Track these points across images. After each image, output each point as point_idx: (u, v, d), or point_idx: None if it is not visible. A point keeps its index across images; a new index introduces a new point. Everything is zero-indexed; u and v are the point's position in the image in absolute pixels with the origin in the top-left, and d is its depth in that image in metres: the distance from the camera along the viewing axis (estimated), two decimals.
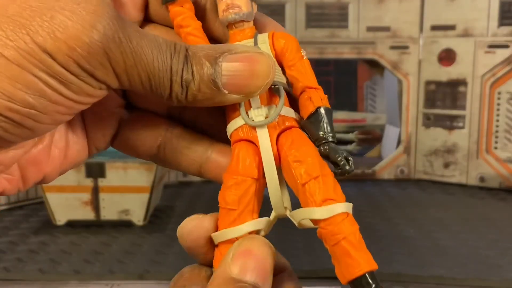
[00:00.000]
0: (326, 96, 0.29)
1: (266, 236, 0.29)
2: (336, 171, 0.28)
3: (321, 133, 0.28)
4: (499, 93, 2.60)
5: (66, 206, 2.02)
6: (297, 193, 0.28)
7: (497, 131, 2.62)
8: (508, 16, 2.56)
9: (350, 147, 3.25)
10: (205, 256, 0.28)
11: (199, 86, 0.26)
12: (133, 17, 0.29)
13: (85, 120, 0.30)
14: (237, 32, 0.29)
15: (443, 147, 2.76)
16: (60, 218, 2.03)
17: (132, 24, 0.25)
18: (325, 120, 0.28)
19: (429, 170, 2.80)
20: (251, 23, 0.29)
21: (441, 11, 2.68)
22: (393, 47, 2.76)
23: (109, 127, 0.31)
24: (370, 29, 2.76)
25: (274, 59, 0.28)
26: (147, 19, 0.31)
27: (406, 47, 2.76)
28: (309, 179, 0.27)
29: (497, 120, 2.62)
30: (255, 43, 0.29)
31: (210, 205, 2.28)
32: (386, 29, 2.75)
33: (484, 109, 2.63)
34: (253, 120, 0.28)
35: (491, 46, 2.59)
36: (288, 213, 0.29)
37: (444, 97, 2.74)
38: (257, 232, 0.28)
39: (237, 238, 0.27)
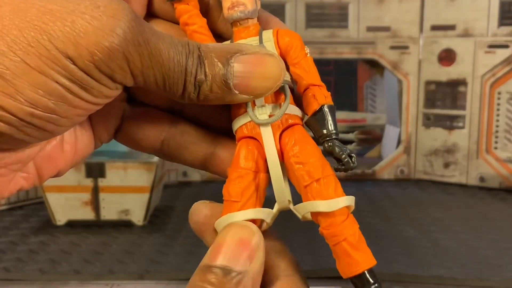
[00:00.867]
0: (330, 93, 0.29)
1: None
2: (339, 167, 0.29)
3: (325, 130, 0.29)
4: (499, 93, 2.60)
5: (66, 206, 2.02)
6: (299, 192, 0.29)
7: (497, 131, 2.62)
8: (508, 16, 2.56)
9: (350, 147, 3.25)
10: (213, 239, 0.29)
11: (211, 87, 0.26)
12: (137, 12, 0.29)
13: (90, 115, 0.31)
14: (241, 29, 0.29)
15: (443, 147, 2.76)
16: (60, 218, 2.03)
17: (148, 25, 0.25)
18: (329, 117, 0.29)
19: (429, 170, 2.80)
20: (255, 20, 0.30)
21: (441, 11, 2.68)
22: (393, 47, 2.76)
23: (113, 120, 0.31)
24: (370, 29, 2.76)
25: (282, 60, 0.28)
26: (150, 14, 0.31)
27: (406, 47, 2.76)
28: (311, 182, 0.28)
29: (497, 120, 2.62)
30: (260, 40, 0.29)
31: None
32: (386, 29, 2.75)
33: (484, 109, 2.63)
34: (258, 118, 0.29)
35: (491, 46, 2.59)
36: (291, 206, 0.29)
37: (444, 97, 2.74)
38: (261, 222, 0.29)
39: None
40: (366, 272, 0.29)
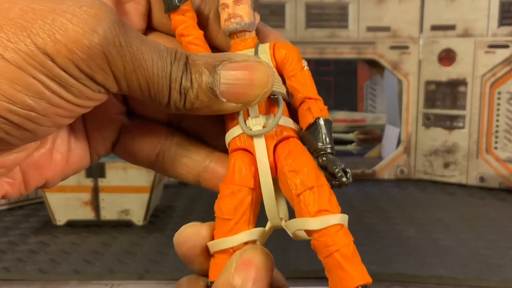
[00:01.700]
0: (326, 107, 0.29)
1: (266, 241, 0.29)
2: (333, 183, 0.28)
3: (320, 144, 0.28)
4: (499, 93, 2.60)
5: (66, 206, 2.02)
6: (292, 203, 0.27)
7: (497, 131, 2.62)
8: (508, 16, 2.56)
9: (350, 147, 3.25)
10: (201, 266, 0.28)
11: (197, 94, 0.25)
12: (137, 25, 0.29)
13: (86, 125, 0.30)
14: (238, 41, 0.29)
15: (443, 147, 2.76)
16: (60, 218, 2.03)
17: (133, 29, 0.25)
18: (324, 131, 0.28)
19: (429, 170, 2.80)
20: (253, 33, 0.29)
21: (441, 11, 2.68)
22: (393, 47, 2.76)
23: (110, 133, 0.31)
24: (370, 29, 2.76)
25: (274, 69, 0.28)
26: (150, 28, 0.30)
27: (406, 47, 2.76)
28: (304, 190, 0.27)
29: (497, 120, 2.62)
30: (256, 52, 0.29)
31: (210, 206, 2.26)
32: (386, 29, 2.75)
33: (484, 109, 2.63)
34: (251, 129, 0.28)
35: (491, 46, 2.59)
36: (283, 223, 0.28)
37: (444, 97, 2.74)
38: (253, 242, 0.28)
39: (232, 249, 0.27)
40: None
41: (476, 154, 2.67)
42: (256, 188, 0.28)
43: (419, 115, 2.81)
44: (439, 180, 2.76)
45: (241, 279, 0.26)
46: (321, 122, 0.28)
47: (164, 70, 0.25)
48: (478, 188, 2.64)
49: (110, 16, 0.24)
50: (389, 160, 2.86)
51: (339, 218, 0.27)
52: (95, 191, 2.01)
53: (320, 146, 0.28)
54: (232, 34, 0.29)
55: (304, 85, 0.29)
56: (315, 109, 0.28)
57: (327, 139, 0.28)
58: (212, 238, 0.28)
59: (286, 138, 0.28)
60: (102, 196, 2.01)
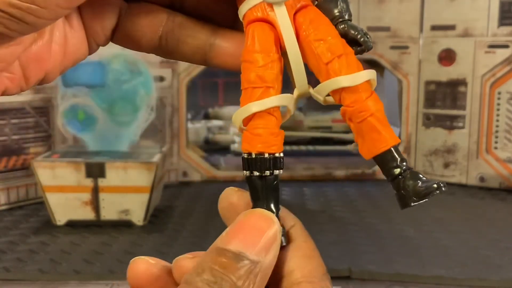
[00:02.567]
0: None
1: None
2: (357, 48, 0.28)
3: (337, 11, 0.28)
4: (499, 93, 2.60)
5: (66, 206, 2.02)
6: (318, 73, 0.27)
7: (497, 131, 2.62)
8: (508, 16, 2.56)
9: (350, 147, 3.24)
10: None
11: None
12: None
13: (82, 13, 0.30)
14: None
15: (443, 147, 2.76)
16: (60, 218, 2.03)
17: None
18: None
19: (429, 170, 2.80)
20: None
21: (441, 11, 2.68)
22: (393, 47, 2.76)
23: (108, 20, 0.30)
24: (370, 29, 2.76)
25: None
26: None
27: (406, 47, 2.76)
28: (333, 58, 0.27)
29: (497, 120, 2.61)
30: None
31: (210, 205, 2.27)
32: (386, 29, 2.75)
33: (484, 109, 2.63)
34: None
35: (491, 46, 2.59)
36: (311, 90, 0.28)
37: (444, 97, 2.74)
38: (281, 112, 0.28)
39: (267, 111, 0.27)
40: (393, 149, 0.27)
41: (476, 154, 2.67)
42: (281, 56, 0.28)
43: (419, 115, 2.81)
44: (439, 180, 2.75)
45: (224, 237, 0.25)
46: None
47: None
48: (478, 188, 2.64)
49: None
50: None
51: (369, 73, 0.27)
52: (95, 191, 2.01)
53: (338, 14, 0.28)
54: None
55: None
56: None
57: (345, 5, 0.28)
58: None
59: (304, 6, 0.28)
60: (102, 196, 2.01)
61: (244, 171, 0.28)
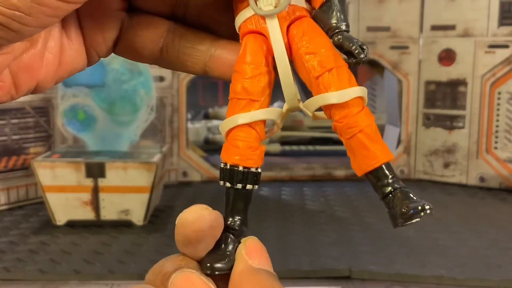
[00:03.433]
0: None
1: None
2: (350, 61, 0.27)
3: (334, 22, 0.27)
4: (499, 93, 2.60)
5: (66, 206, 2.02)
6: (310, 86, 0.27)
7: (497, 131, 2.62)
8: (508, 16, 2.56)
9: None
10: (196, 251, 0.28)
11: None
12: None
13: (83, 24, 0.30)
14: None
15: (443, 147, 2.76)
16: (60, 218, 2.03)
17: None
18: (338, 8, 0.27)
19: (429, 170, 2.80)
20: None
21: (441, 11, 2.68)
22: (393, 47, 2.76)
23: (110, 31, 0.30)
24: (370, 29, 2.76)
25: None
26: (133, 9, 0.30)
27: (406, 47, 2.76)
28: (323, 72, 0.26)
29: (497, 120, 2.61)
30: None
31: (210, 205, 2.26)
32: (386, 29, 2.75)
33: (484, 109, 2.63)
34: (262, 10, 0.27)
35: (491, 46, 2.59)
36: (301, 105, 0.28)
37: (444, 97, 2.74)
38: (269, 126, 0.28)
39: (249, 125, 0.27)
40: (384, 166, 0.27)
41: (476, 154, 2.67)
42: (270, 70, 0.27)
43: (419, 115, 2.81)
44: (439, 180, 2.76)
45: (257, 261, 0.27)
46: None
47: None
48: (478, 188, 2.64)
49: None
50: None
51: (358, 90, 0.26)
52: (95, 191, 2.01)
53: (334, 24, 0.27)
54: None
55: None
56: None
57: (342, 16, 0.27)
58: (219, 223, 0.28)
59: (299, 18, 0.27)
60: (102, 196, 2.01)
61: (219, 180, 0.28)
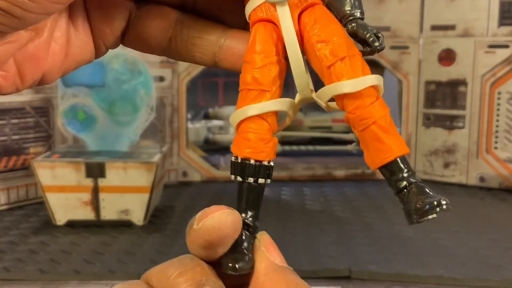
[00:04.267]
0: None
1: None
2: (364, 50, 0.26)
3: (348, 8, 0.26)
4: (499, 93, 2.60)
5: (66, 206, 2.02)
6: (322, 76, 0.26)
7: (497, 131, 2.62)
8: (508, 16, 2.56)
9: (350, 147, 3.25)
10: (215, 253, 0.28)
11: None
12: None
13: (90, 15, 0.29)
14: None
15: (443, 147, 2.76)
16: (60, 218, 2.03)
17: None
18: None
19: (429, 170, 2.80)
20: None
21: (441, 11, 2.68)
22: (393, 47, 2.76)
23: (118, 22, 0.30)
24: None
25: None
26: None
27: (406, 47, 2.76)
28: (335, 61, 0.25)
29: (497, 120, 2.61)
30: None
31: (210, 205, 2.26)
32: (386, 29, 2.75)
33: (484, 109, 2.63)
34: None
35: (491, 46, 2.59)
36: (314, 95, 0.27)
37: (444, 97, 2.73)
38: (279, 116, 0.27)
39: (260, 116, 0.26)
40: (399, 160, 0.25)
41: (476, 154, 2.67)
42: (281, 59, 0.27)
43: (419, 115, 2.81)
44: (439, 180, 2.76)
45: (278, 258, 0.27)
46: None
47: None
48: (478, 188, 2.64)
49: None
50: None
51: (374, 79, 0.25)
52: (95, 191, 2.01)
53: (348, 11, 0.26)
54: None
55: None
56: None
57: (356, 2, 0.26)
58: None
59: (311, 5, 0.27)
60: (102, 196, 2.01)
61: (230, 174, 0.28)
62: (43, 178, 2.00)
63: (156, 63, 2.50)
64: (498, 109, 2.61)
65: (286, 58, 0.27)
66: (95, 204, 2.03)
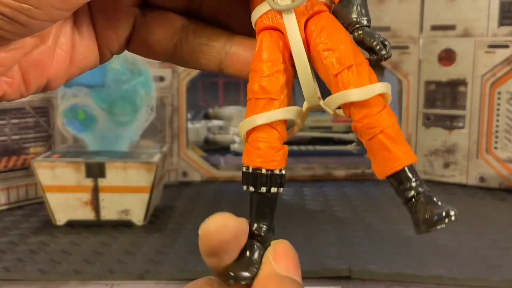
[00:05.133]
0: None
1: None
2: (371, 58, 0.26)
3: (354, 16, 0.26)
4: (499, 93, 2.60)
5: (66, 206, 2.02)
6: (329, 85, 0.26)
7: (497, 131, 2.62)
8: (508, 16, 2.56)
9: (350, 147, 3.25)
10: (221, 261, 0.27)
11: None
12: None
13: (95, 21, 0.29)
14: None
15: (443, 147, 2.76)
16: (60, 218, 2.03)
17: None
18: (359, 2, 0.26)
19: (429, 170, 2.80)
20: None
21: (441, 11, 2.68)
22: (393, 47, 2.75)
23: (123, 28, 0.30)
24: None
25: None
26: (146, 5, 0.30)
27: (406, 47, 2.76)
28: (342, 69, 0.25)
29: (497, 120, 2.61)
30: None
31: (210, 205, 2.27)
32: (386, 29, 2.75)
33: (484, 109, 2.63)
34: (279, 4, 0.26)
35: (491, 46, 2.59)
36: (321, 102, 0.27)
37: (444, 97, 2.74)
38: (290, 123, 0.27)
39: (270, 125, 0.26)
40: (407, 169, 0.25)
41: (476, 154, 2.67)
42: (288, 66, 0.26)
43: (419, 115, 2.81)
44: (439, 180, 2.76)
45: (283, 267, 0.26)
46: None
47: None
48: (478, 188, 2.64)
49: None
50: None
51: (382, 86, 0.25)
52: (95, 191, 2.01)
53: (355, 19, 0.26)
54: None
55: None
56: None
57: (363, 10, 0.26)
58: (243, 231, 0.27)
59: (318, 12, 0.26)
60: (102, 196, 2.01)
61: (242, 185, 0.27)
62: (43, 178, 2.00)
63: (156, 63, 2.50)
64: (498, 109, 2.61)
65: (293, 66, 0.27)
66: (95, 204, 2.03)
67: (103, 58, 0.30)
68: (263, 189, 0.27)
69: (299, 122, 0.27)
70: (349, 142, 3.30)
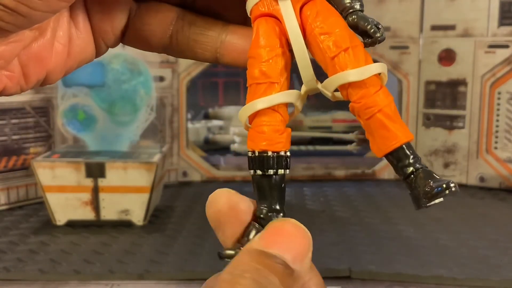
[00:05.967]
0: None
1: None
2: (365, 41, 0.26)
3: (348, 1, 0.27)
4: (499, 93, 2.60)
5: (66, 206, 2.02)
6: (326, 68, 0.26)
7: (497, 131, 2.62)
8: (508, 16, 2.56)
9: (350, 147, 3.25)
10: (224, 236, 0.27)
11: None
12: None
13: (90, 13, 0.29)
14: None
15: (443, 147, 2.76)
16: (60, 218, 2.03)
17: None
18: None
19: None
20: None
21: (441, 11, 2.68)
22: (393, 47, 2.76)
23: (118, 20, 0.30)
24: None
25: None
26: None
27: (406, 47, 2.76)
28: (339, 52, 0.26)
29: (497, 120, 2.61)
30: None
31: None
32: (386, 29, 2.75)
33: (484, 109, 2.63)
34: None
35: (491, 46, 2.59)
36: (319, 85, 0.27)
37: (444, 97, 2.74)
38: (290, 106, 0.27)
39: (271, 108, 0.26)
40: (405, 146, 0.26)
41: (476, 154, 2.67)
42: (286, 51, 0.27)
43: (419, 115, 2.81)
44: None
45: (264, 241, 0.24)
46: None
47: None
48: (478, 188, 2.64)
49: None
50: None
51: (379, 66, 0.25)
52: (95, 191, 2.01)
53: (348, 4, 0.26)
54: None
55: None
56: None
57: None
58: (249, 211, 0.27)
59: None
60: (102, 196, 2.01)
61: (249, 170, 0.27)
62: (43, 178, 2.00)
63: (156, 63, 2.51)
64: (498, 109, 2.61)
65: (290, 51, 0.27)
66: (95, 204, 2.03)
67: (98, 51, 0.30)
68: (271, 172, 0.27)
69: (298, 105, 0.28)
70: (349, 142, 3.30)
